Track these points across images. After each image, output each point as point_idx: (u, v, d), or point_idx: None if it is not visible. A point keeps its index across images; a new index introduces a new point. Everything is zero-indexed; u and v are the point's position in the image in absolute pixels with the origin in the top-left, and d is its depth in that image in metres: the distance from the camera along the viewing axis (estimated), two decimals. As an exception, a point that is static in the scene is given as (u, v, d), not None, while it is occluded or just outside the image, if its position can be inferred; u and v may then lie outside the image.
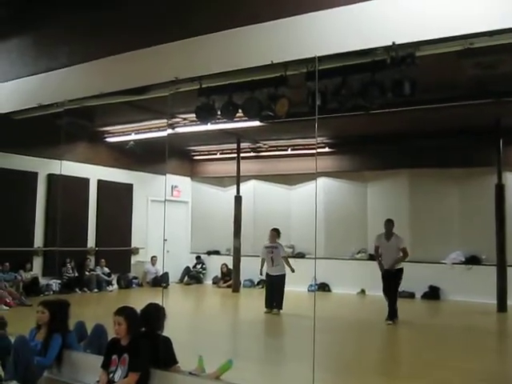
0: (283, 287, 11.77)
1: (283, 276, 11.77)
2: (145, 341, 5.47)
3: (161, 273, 15.82)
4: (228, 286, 16.54)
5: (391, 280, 10.67)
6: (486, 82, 8.83)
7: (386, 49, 5.27)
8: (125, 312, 5.50)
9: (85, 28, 7.25)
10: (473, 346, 8.88)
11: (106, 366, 5.44)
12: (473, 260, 14.31)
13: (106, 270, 15.42)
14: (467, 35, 4.74)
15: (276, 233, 12.18)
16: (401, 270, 10.73)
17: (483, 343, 9.19)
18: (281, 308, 11.66)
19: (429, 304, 13.88)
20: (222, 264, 17.39)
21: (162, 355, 5.51)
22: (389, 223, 10.94)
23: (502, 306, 12.13)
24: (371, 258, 15.44)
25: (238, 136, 15.42)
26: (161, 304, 5.94)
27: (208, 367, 5.88)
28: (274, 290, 11.77)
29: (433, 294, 14.32)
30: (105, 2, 6.90)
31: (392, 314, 10.56)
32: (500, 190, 12.67)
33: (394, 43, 4.95)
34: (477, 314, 12.09)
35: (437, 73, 7.73)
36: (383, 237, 10.92)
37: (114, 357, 5.41)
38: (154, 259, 16.39)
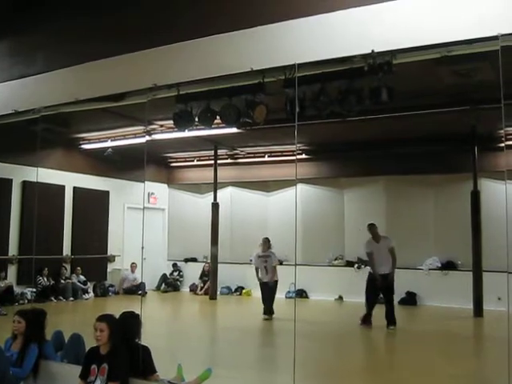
0: (275, 293, 12.16)
1: (277, 282, 12.20)
2: (124, 349, 5.42)
3: (140, 280, 15.70)
4: (205, 293, 16.45)
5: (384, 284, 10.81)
6: (463, 89, 8.91)
7: (364, 56, 5.28)
8: (107, 318, 5.45)
9: (61, 35, 7.22)
10: (453, 351, 8.93)
11: (84, 376, 5.36)
12: (449, 265, 14.41)
13: (82, 277, 15.27)
14: (444, 43, 4.77)
15: (268, 241, 12.48)
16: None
17: (464, 348, 9.27)
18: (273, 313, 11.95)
19: (406, 309, 13.91)
20: (205, 264, 17.25)
21: (141, 364, 5.46)
22: (373, 227, 11.05)
23: (478, 310, 12.19)
24: (348, 264, 15.56)
25: (215, 143, 15.40)
26: (137, 312, 5.89)
27: (187, 376, 5.84)
28: (268, 296, 12.08)
29: (410, 299, 14.37)
30: (82, 9, 6.88)
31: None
32: (475, 196, 12.80)
33: (373, 51, 4.96)
34: (454, 319, 12.17)
35: (414, 80, 7.77)
36: (372, 241, 11.04)
37: (93, 366, 5.34)
38: (133, 266, 16.27)
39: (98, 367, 5.32)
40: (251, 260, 16.62)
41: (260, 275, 12.33)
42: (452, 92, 9.10)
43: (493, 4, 4.48)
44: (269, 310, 11.94)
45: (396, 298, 14.07)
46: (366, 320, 10.79)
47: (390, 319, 10.62)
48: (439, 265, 14.54)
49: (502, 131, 9.77)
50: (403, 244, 14.41)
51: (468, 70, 7.64)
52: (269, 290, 12.11)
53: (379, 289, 10.90)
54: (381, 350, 9.82)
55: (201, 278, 17.34)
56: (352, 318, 11.35)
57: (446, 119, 10.87)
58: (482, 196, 12.94)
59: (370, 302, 10.91)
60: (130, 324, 5.66)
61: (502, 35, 4.38)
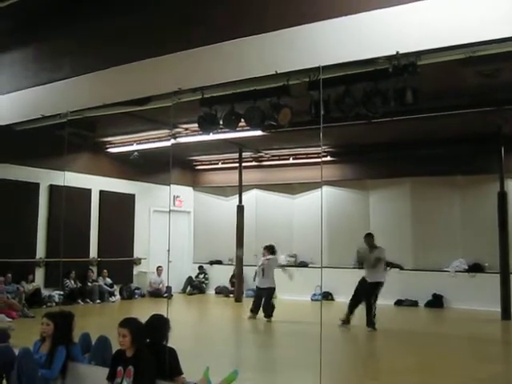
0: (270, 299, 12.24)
1: (273, 290, 12.32)
2: (149, 352, 5.45)
3: (166, 283, 15.76)
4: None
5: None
6: (488, 90, 8.84)
7: (389, 58, 5.28)
8: (129, 324, 5.47)
9: (87, 39, 7.30)
10: (480, 355, 8.83)
11: (111, 377, 5.40)
12: (475, 268, 14.28)
13: (109, 280, 15.38)
14: (469, 44, 4.75)
15: (268, 249, 12.71)
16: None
17: (491, 352, 9.16)
18: (271, 316, 12.01)
19: (432, 312, 13.82)
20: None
21: (167, 366, 5.49)
22: (369, 237, 11.62)
23: (505, 313, 12.08)
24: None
25: (239, 145, 15.42)
26: (165, 315, 5.92)
27: (213, 378, 5.85)
28: (265, 301, 12.20)
29: (436, 302, 14.26)
30: (107, 13, 6.94)
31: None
32: (502, 197, 12.66)
33: (397, 52, 4.95)
34: (481, 322, 12.05)
35: (439, 81, 7.75)
36: (366, 251, 11.46)
37: (120, 368, 5.38)
38: (159, 269, 16.33)
39: (124, 369, 5.35)
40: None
41: (256, 279, 12.63)
42: (477, 92, 9.03)
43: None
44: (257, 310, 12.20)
45: (422, 301, 14.05)
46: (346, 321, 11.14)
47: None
48: (466, 267, 14.41)
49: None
50: (429, 246, 14.37)
51: (493, 71, 7.60)
52: (265, 295, 12.25)
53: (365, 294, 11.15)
54: (403, 352, 9.74)
55: (231, 280, 17.38)
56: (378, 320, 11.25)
57: (472, 120, 10.79)
58: (508, 197, 12.80)
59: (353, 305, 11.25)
60: (158, 326, 5.68)
61: (528, 35, 4.35)
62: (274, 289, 12.29)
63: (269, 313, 11.99)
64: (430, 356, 8.71)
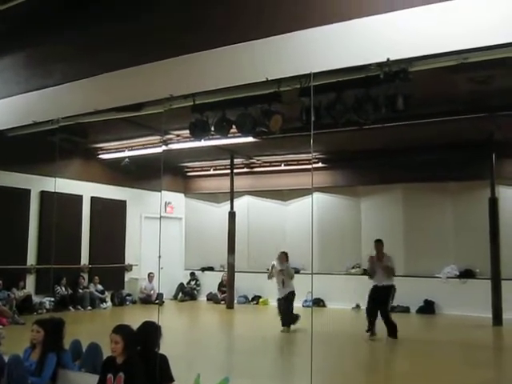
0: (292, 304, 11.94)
1: (293, 294, 11.97)
2: (140, 359, 5.43)
3: (157, 289, 15.71)
4: (224, 300, 16.43)
5: None
6: (480, 96, 8.87)
7: (380, 64, 5.28)
8: (122, 330, 5.45)
9: (79, 45, 7.28)
10: (471, 361, 8.85)
11: (101, 385, 5.39)
12: (467, 274, 14.32)
13: (100, 287, 15.33)
14: (460, 51, 4.76)
15: (285, 256, 12.17)
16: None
17: (482, 358, 9.18)
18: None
19: (424, 318, 13.84)
20: (223, 274, 17.17)
21: (158, 373, 5.47)
22: (379, 244, 11.25)
23: (497, 319, 12.10)
24: (366, 272, 15.47)
25: (231, 152, 15.43)
26: (156, 321, 5.91)
27: (204, 385, 5.83)
28: (286, 307, 11.86)
29: (428, 308, 14.29)
30: (99, 20, 6.93)
31: None
32: (493, 203, 12.71)
33: (388, 59, 4.96)
34: (472, 327, 12.08)
35: (430, 88, 7.77)
36: (376, 259, 11.16)
37: (110, 375, 5.36)
38: (150, 276, 16.31)
39: (114, 376, 5.33)
40: (268, 269, 16.65)
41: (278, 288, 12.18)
42: (469, 99, 9.07)
43: (509, 10, 4.45)
44: (288, 322, 11.72)
45: (414, 307, 14.05)
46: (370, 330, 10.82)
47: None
48: (457, 273, 14.44)
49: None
50: (421, 252, 14.39)
51: (485, 77, 7.63)
52: (287, 301, 11.90)
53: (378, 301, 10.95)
54: (394, 360, 9.74)
55: (219, 288, 17.36)
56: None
57: (464, 126, 10.81)
58: (499, 203, 12.84)
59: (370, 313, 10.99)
60: (150, 333, 5.67)
61: (520, 41, 4.37)
62: (294, 293, 11.95)
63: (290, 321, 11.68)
64: (421, 362, 8.72)
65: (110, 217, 16.05)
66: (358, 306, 15.15)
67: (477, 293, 13.11)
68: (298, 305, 14.53)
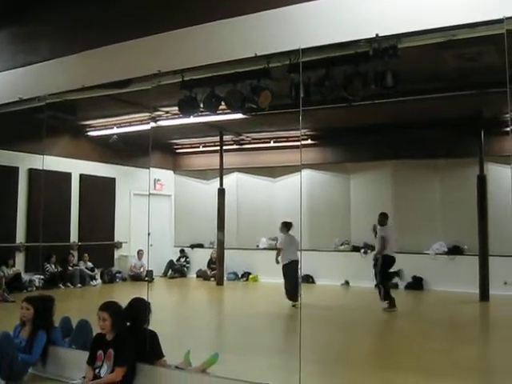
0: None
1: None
2: (130, 335, 5.46)
3: (147, 266, 15.74)
4: (214, 277, 16.50)
5: None
6: (468, 73, 8.87)
7: (369, 41, 5.27)
8: (109, 307, 5.48)
9: (66, 22, 7.18)
10: (458, 336, 8.96)
11: (91, 361, 5.42)
12: (455, 250, 14.41)
13: (90, 264, 15.34)
14: (449, 27, 4.74)
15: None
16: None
17: (468, 333, 9.29)
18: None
19: (412, 294, 13.94)
20: (212, 251, 17.20)
21: (148, 349, 5.50)
22: (384, 217, 11.70)
23: (484, 295, 12.21)
24: (355, 249, 15.58)
25: (220, 129, 15.38)
26: (146, 298, 5.93)
27: (194, 361, 5.88)
28: (296, 278, 11.21)
29: (416, 284, 14.38)
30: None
31: None
32: (482, 180, 12.77)
33: (377, 35, 4.94)
34: (460, 303, 12.19)
35: (419, 64, 7.74)
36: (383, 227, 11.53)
37: (100, 352, 5.40)
38: (140, 253, 16.33)
39: (105, 353, 5.37)
40: (258, 246, 16.68)
41: (286, 255, 11.61)
42: (458, 76, 9.06)
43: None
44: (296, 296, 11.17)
45: (402, 283, 14.16)
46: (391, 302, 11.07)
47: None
48: (446, 249, 14.54)
49: (508, 115, 9.73)
50: (410, 229, 14.44)
51: (473, 54, 7.62)
52: (294, 271, 11.23)
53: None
54: (380, 335, 9.82)
55: (208, 265, 17.40)
56: (360, 302, 11.32)
57: (452, 103, 10.83)
58: (488, 180, 12.90)
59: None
60: (139, 310, 5.71)
61: (507, 18, 4.36)
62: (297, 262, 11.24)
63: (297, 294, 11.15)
64: (406, 338, 8.80)
65: (100, 194, 16.01)
66: (347, 283, 15.27)
67: (465, 269, 13.21)
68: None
